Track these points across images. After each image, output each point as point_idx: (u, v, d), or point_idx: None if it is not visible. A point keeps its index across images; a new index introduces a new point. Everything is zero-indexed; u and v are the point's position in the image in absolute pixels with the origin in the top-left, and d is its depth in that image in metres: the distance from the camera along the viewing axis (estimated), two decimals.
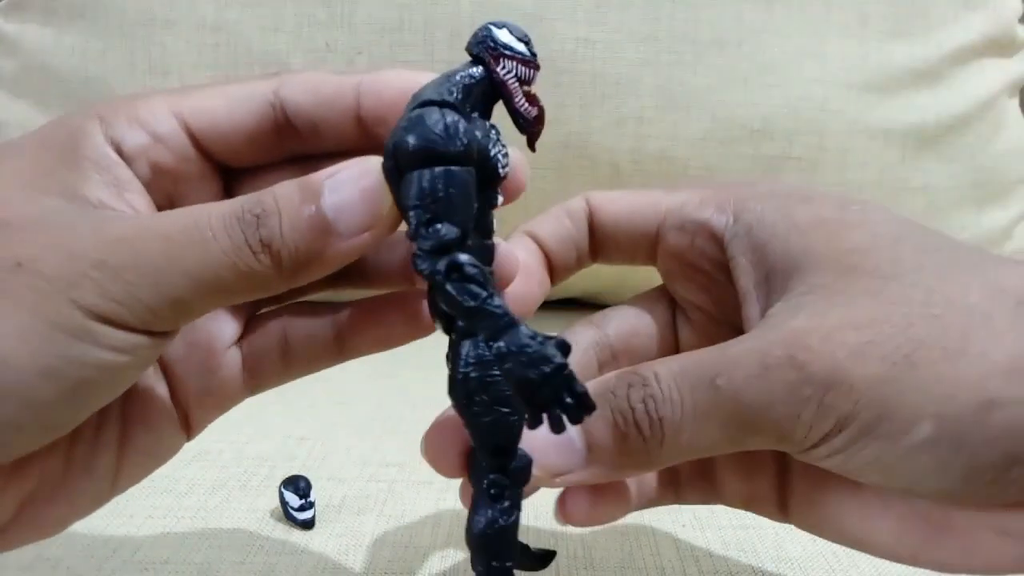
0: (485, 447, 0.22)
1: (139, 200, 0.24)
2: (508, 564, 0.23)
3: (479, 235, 0.22)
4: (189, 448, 0.28)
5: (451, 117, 0.20)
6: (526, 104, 0.21)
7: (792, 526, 0.29)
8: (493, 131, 0.21)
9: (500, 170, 0.21)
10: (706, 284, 0.27)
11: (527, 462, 0.22)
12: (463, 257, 0.20)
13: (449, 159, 0.20)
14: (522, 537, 0.24)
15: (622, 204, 0.28)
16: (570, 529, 0.35)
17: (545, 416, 0.19)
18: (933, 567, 0.24)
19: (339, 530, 0.35)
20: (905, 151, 0.59)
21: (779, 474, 0.26)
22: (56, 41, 0.58)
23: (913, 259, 0.22)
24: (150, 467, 0.26)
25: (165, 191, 0.25)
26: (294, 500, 0.36)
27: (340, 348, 0.27)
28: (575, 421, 0.19)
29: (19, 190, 0.22)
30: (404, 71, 0.24)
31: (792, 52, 0.58)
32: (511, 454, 0.22)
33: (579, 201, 0.28)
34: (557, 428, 0.20)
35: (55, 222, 0.21)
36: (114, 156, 0.24)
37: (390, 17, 0.56)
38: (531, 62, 0.21)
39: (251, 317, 0.28)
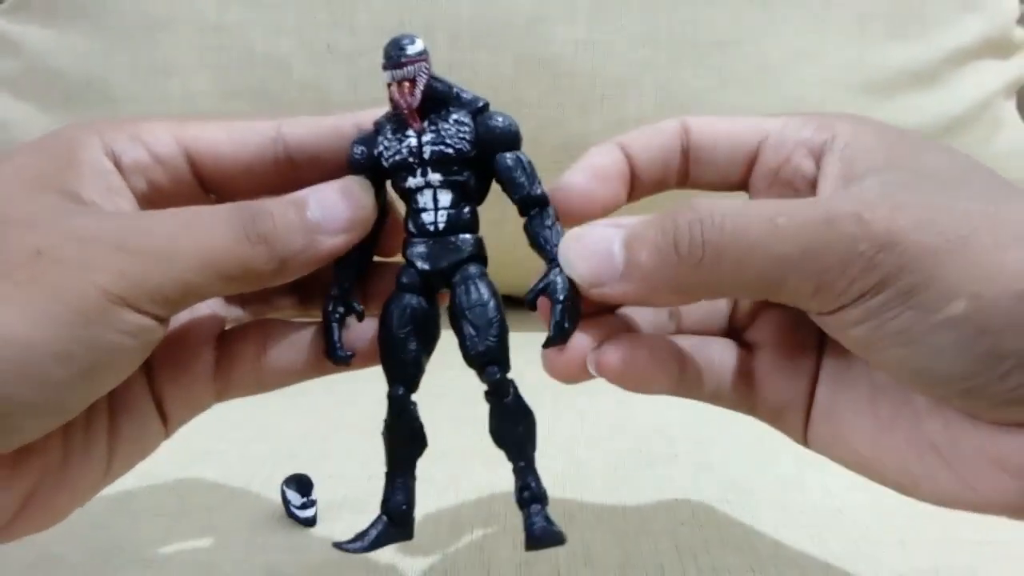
0: None
1: (129, 207, 0.25)
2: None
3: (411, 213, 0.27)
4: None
5: (359, 140, 0.27)
6: (394, 97, 0.26)
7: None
8: (386, 133, 0.26)
9: (384, 162, 0.26)
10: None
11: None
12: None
13: (353, 171, 0.27)
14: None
15: (723, 126, 0.28)
16: (569, 530, 0.35)
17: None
18: (933, 500, 0.24)
19: (341, 528, 0.35)
20: None
21: (811, 383, 0.27)
22: (58, 42, 0.58)
23: (979, 180, 0.24)
24: (137, 455, 0.27)
25: (156, 208, 0.25)
26: (296, 498, 0.36)
27: (318, 362, 0.28)
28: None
29: (18, 189, 0.23)
30: None
31: (790, 53, 0.58)
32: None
33: (672, 122, 0.28)
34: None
35: (63, 215, 0.23)
36: (109, 165, 0.25)
37: (390, 19, 0.56)
38: (385, 64, 0.25)
39: (222, 332, 0.29)
